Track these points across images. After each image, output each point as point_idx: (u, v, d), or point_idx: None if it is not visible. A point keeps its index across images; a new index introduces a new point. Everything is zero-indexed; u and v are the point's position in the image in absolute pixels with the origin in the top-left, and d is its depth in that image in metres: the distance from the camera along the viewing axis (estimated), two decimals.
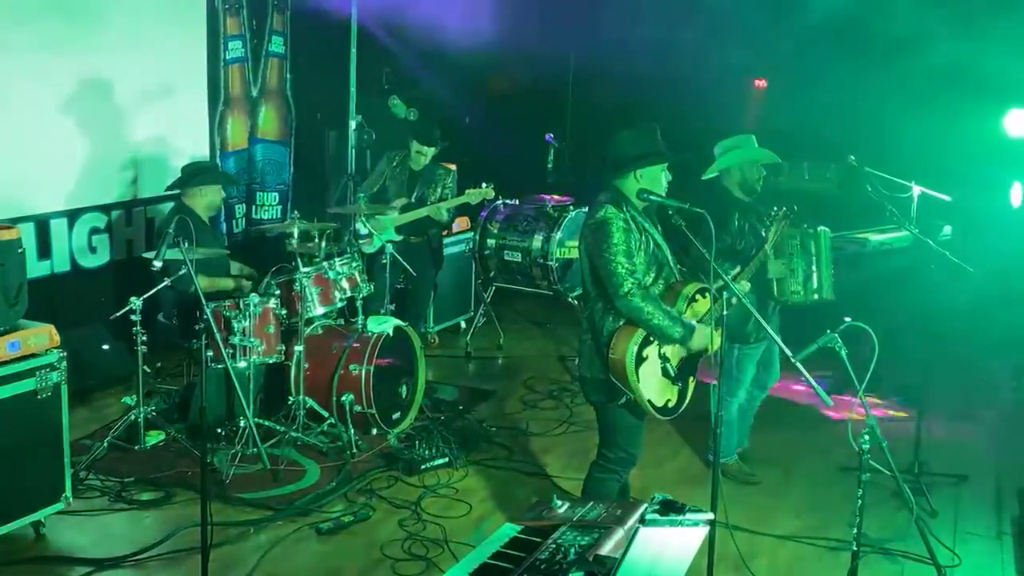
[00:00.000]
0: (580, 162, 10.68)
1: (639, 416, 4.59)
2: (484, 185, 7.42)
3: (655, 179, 4.54)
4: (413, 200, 7.41)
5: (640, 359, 4.39)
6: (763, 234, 5.41)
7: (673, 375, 4.55)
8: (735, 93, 9.81)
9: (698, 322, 4.51)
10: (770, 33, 8.71)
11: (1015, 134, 7.39)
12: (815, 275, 5.57)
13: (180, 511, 5.25)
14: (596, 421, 4.78)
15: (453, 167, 7.73)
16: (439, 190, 7.44)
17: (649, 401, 4.45)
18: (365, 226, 7.20)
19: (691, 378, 4.69)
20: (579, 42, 9.99)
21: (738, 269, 5.26)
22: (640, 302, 4.34)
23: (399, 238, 7.34)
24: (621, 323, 4.44)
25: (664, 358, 4.50)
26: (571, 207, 8.47)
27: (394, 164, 7.53)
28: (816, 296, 5.59)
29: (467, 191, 7.43)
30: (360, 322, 6.43)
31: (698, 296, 4.57)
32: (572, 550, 3.18)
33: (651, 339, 4.43)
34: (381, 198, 7.46)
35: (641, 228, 4.49)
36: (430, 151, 7.43)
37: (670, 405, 4.57)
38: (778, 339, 4.43)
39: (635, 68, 9.41)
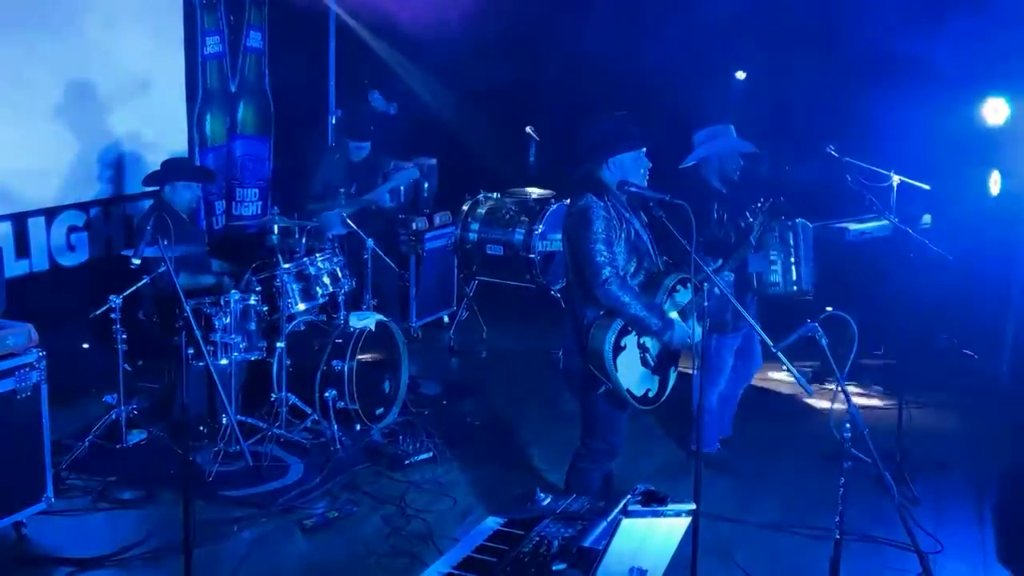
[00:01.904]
0: (561, 155, 10.63)
1: (620, 406, 4.60)
2: (409, 165, 7.86)
3: (630, 167, 4.52)
4: (353, 191, 7.47)
5: (618, 348, 4.40)
6: (742, 225, 5.44)
7: (653, 365, 4.56)
8: (714, 85, 9.80)
9: (679, 313, 4.52)
10: (748, 25, 8.71)
11: (992, 122, 7.40)
12: (794, 268, 5.60)
13: (163, 510, 5.22)
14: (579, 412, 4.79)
15: (410, 165, 8.02)
16: (379, 180, 7.72)
17: (628, 391, 4.46)
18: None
19: (673, 369, 4.69)
20: (560, 33, 9.96)
21: (720, 263, 5.28)
22: (618, 291, 4.35)
23: (345, 231, 7.27)
24: (601, 312, 4.45)
25: (643, 348, 4.50)
26: (553, 200, 8.47)
27: (336, 158, 7.75)
28: (795, 288, 5.62)
29: (396, 174, 7.84)
30: (342, 317, 6.41)
31: (679, 286, 4.58)
32: (555, 542, 3.19)
33: (629, 329, 4.43)
34: (332, 191, 7.56)
35: (622, 218, 4.48)
36: (366, 145, 7.70)
37: (651, 395, 4.58)
38: (758, 328, 4.43)
39: (617, 61, 9.40)
